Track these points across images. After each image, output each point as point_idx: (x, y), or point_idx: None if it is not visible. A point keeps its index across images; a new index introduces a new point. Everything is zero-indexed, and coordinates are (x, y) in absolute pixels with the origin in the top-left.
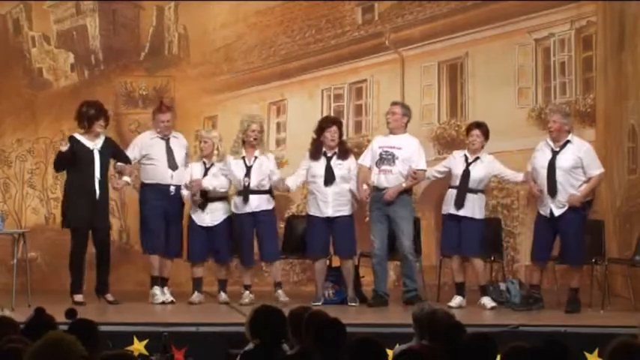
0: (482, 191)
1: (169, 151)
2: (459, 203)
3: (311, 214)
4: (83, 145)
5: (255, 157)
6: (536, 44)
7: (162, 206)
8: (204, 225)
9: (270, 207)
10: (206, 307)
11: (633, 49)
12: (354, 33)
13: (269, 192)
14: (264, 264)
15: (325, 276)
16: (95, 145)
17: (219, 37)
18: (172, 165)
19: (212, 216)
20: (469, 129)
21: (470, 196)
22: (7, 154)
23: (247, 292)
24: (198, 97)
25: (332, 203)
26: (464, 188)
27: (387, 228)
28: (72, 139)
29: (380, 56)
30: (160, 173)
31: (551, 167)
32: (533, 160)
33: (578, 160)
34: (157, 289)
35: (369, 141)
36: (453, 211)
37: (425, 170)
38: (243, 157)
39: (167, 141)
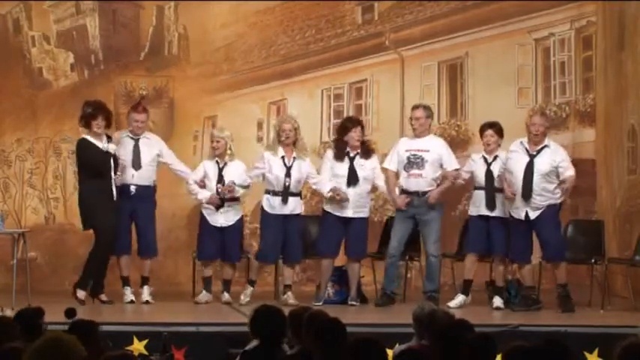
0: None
1: (136, 151)
2: (491, 205)
3: (329, 211)
4: (97, 147)
5: (294, 158)
6: (536, 44)
7: (127, 207)
8: (218, 225)
9: (301, 210)
10: (206, 307)
11: (633, 49)
12: (354, 33)
13: (300, 195)
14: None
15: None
16: (106, 146)
17: (219, 36)
18: (136, 164)
19: (226, 216)
20: (482, 130)
21: (498, 196)
22: (7, 153)
23: (251, 288)
24: (198, 97)
25: (352, 204)
26: (491, 189)
27: (408, 230)
28: (86, 142)
29: (380, 56)
30: (123, 173)
31: (529, 171)
32: (508, 161)
33: (555, 165)
34: (126, 289)
35: (368, 141)
36: (484, 212)
37: (459, 168)
38: (283, 157)
39: (137, 141)
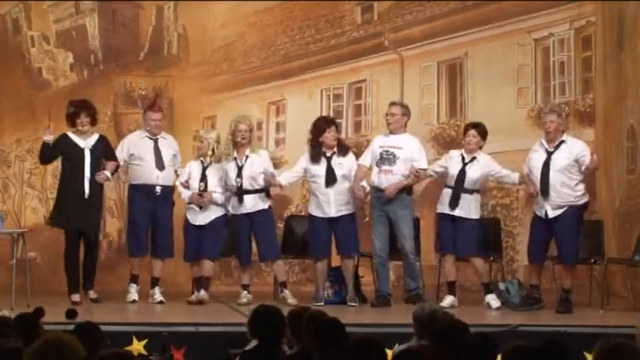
0: (477, 191)
1: (157, 151)
2: (454, 203)
3: (313, 214)
4: (74, 144)
5: (247, 157)
6: (535, 44)
7: (148, 207)
8: (197, 224)
9: (265, 206)
10: (206, 307)
11: (632, 49)
12: (354, 33)
13: (263, 191)
14: (263, 264)
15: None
16: (87, 143)
17: (218, 36)
18: (159, 165)
19: (206, 214)
20: (466, 129)
21: (465, 196)
22: (7, 154)
23: (245, 292)
24: (197, 97)
25: (334, 203)
26: (459, 188)
27: (387, 228)
28: (64, 137)
29: (379, 56)
30: (146, 174)
31: (545, 168)
32: (529, 161)
33: (574, 158)
34: (132, 287)
35: (368, 141)
36: (447, 210)
37: (426, 169)
38: (235, 158)
39: (155, 141)
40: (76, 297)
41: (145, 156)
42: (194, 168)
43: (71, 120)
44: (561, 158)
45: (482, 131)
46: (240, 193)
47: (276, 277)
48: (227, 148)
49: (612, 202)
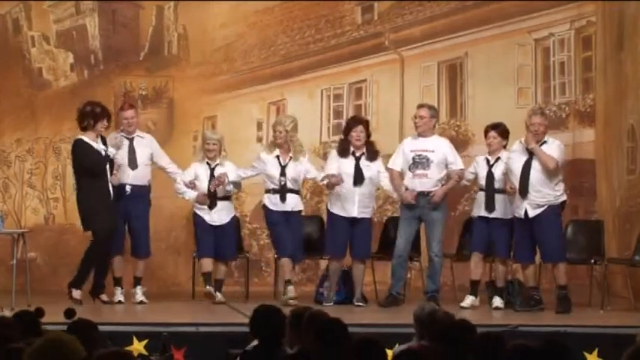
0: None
1: (131, 150)
2: (490, 206)
3: (334, 212)
4: (93, 148)
5: (290, 158)
6: (535, 44)
7: (122, 206)
8: (212, 223)
9: (302, 207)
10: (206, 307)
11: (633, 49)
12: (354, 33)
13: (299, 193)
14: (263, 265)
15: (324, 276)
16: (99, 146)
17: (218, 36)
18: (132, 164)
19: (219, 215)
20: (486, 132)
21: (498, 197)
22: (7, 154)
23: (291, 287)
24: (197, 97)
25: (358, 204)
26: (491, 191)
27: (414, 231)
28: (80, 143)
29: (380, 56)
30: (119, 173)
31: (527, 168)
32: (509, 161)
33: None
34: (117, 289)
35: (373, 142)
36: (484, 213)
37: (464, 169)
38: (278, 157)
39: (131, 140)
40: (77, 293)
41: (120, 156)
42: (200, 170)
43: (92, 119)
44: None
45: (502, 131)
46: (283, 191)
47: (286, 274)
48: (269, 145)
49: (612, 202)
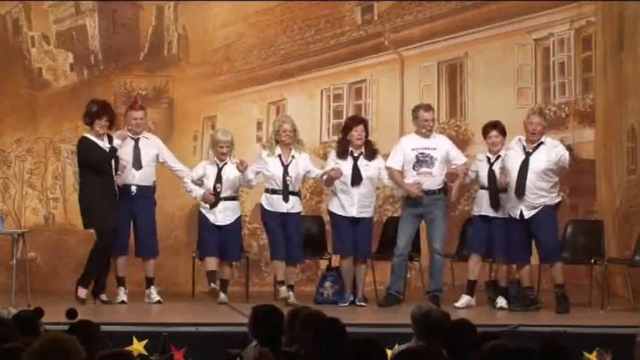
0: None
1: (136, 151)
2: (496, 205)
3: (335, 212)
4: (98, 146)
5: (293, 157)
6: (535, 44)
7: (127, 207)
8: (217, 223)
9: (301, 209)
10: (206, 307)
11: (633, 49)
12: (354, 33)
13: (299, 194)
14: (263, 265)
15: (324, 276)
16: (104, 144)
17: (218, 37)
18: (137, 165)
19: (224, 214)
20: (486, 131)
21: (502, 196)
22: (7, 154)
23: (283, 287)
24: (197, 97)
25: (357, 204)
26: (495, 189)
27: (415, 229)
28: (86, 140)
29: (379, 56)
30: (124, 173)
31: (524, 169)
32: (506, 158)
33: (551, 161)
34: (120, 290)
35: (372, 142)
36: (486, 212)
37: (466, 162)
38: (279, 156)
39: (136, 141)
40: (83, 292)
41: (124, 155)
42: (208, 169)
43: (92, 119)
44: (540, 160)
45: (502, 130)
46: (285, 191)
47: (288, 279)
48: (268, 143)
49: (612, 202)
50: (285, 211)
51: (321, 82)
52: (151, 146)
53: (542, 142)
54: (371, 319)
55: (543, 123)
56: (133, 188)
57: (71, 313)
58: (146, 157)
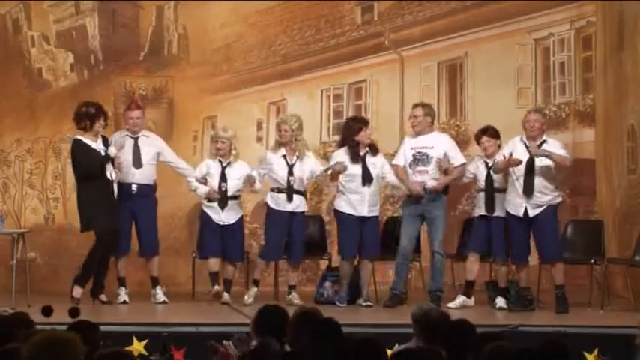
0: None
1: (136, 150)
2: (490, 207)
3: (344, 212)
4: (91, 148)
5: (297, 157)
6: (535, 44)
7: (128, 207)
8: (220, 223)
9: (305, 209)
10: (206, 307)
11: (633, 49)
12: (354, 33)
13: (304, 194)
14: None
15: (324, 276)
16: (99, 146)
17: (218, 37)
18: (137, 164)
19: (227, 214)
20: (477, 138)
21: (498, 197)
22: (7, 154)
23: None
24: (197, 97)
25: (368, 203)
26: (490, 192)
27: (417, 229)
28: (78, 143)
29: (379, 56)
30: (124, 172)
31: (530, 169)
32: (513, 155)
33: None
34: (121, 290)
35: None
36: (484, 213)
37: (464, 163)
38: (284, 156)
39: (136, 139)
40: (78, 291)
41: (124, 155)
42: (212, 167)
43: (87, 120)
44: (544, 159)
45: (493, 134)
46: (290, 191)
47: (290, 279)
48: (274, 145)
49: (612, 202)
50: (291, 210)
51: (321, 82)
52: (151, 145)
53: (544, 141)
54: (371, 319)
55: (541, 120)
56: (134, 187)
57: (74, 312)
58: (146, 156)
